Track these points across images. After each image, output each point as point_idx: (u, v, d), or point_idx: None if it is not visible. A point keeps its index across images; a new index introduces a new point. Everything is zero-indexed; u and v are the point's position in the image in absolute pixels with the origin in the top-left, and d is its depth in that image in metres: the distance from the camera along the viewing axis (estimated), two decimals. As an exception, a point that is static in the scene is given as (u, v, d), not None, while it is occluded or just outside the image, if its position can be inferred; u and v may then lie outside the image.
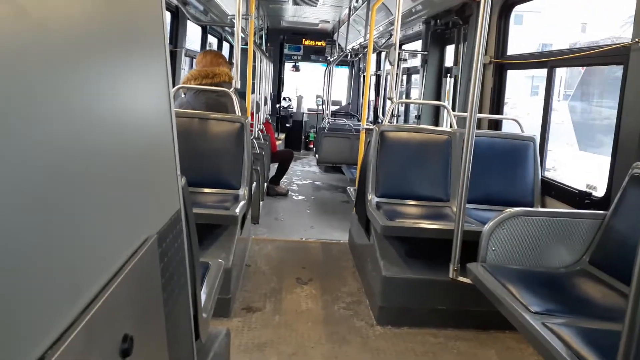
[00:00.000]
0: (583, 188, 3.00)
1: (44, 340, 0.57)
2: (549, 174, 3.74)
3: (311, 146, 11.16)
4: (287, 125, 11.49)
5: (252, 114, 5.38)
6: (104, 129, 0.76)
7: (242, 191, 3.34)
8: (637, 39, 2.43)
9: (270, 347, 2.57)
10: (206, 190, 3.32)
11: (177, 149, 1.20)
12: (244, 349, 2.53)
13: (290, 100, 12.27)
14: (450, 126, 3.73)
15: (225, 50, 8.06)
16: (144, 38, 1.00)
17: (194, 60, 6.70)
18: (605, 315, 1.94)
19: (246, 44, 4.88)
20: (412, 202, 3.40)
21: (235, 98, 3.54)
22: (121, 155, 0.84)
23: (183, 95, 3.76)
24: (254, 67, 5.53)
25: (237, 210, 2.95)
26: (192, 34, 6.42)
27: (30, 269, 0.54)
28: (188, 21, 5.56)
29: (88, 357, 0.66)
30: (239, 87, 3.62)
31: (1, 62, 0.49)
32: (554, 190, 3.28)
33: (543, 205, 3.33)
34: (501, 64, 4.05)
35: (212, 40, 7.71)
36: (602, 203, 2.70)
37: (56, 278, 0.61)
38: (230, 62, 4.14)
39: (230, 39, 7.96)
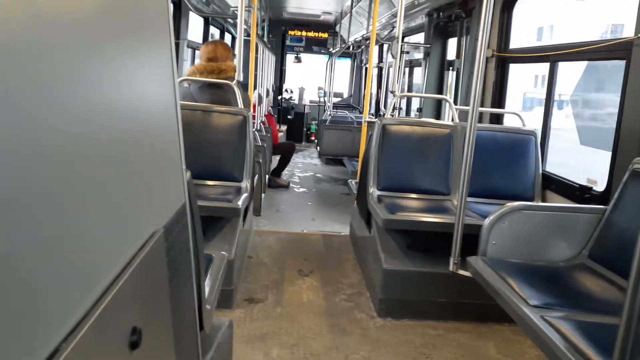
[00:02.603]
0: (584, 182, 3.02)
1: (58, 333, 0.59)
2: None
3: (312, 138, 11.15)
4: (289, 117, 11.48)
5: (254, 106, 5.39)
6: (109, 123, 0.76)
7: (245, 184, 3.36)
8: (639, 34, 2.43)
9: (272, 338, 2.60)
10: (209, 182, 3.34)
11: (182, 143, 1.20)
12: (247, 339, 2.56)
13: (292, 92, 12.25)
14: (452, 120, 3.74)
15: (227, 42, 8.04)
16: (149, 28, 0.99)
17: (196, 51, 6.69)
18: (603, 309, 1.96)
19: (248, 35, 4.88)
20: (414, 196, 3.42)
21: (237, 90, 3.55)
22: (127, 150, 0.85)
23: (187, 86, 3.74)
24: (256, 59, 5.53)
25: (240, 202, 2.97)
26: (194, 25, 6.41)
27: (42, 266, 0.56)
28: (190, 12, 5.55)
29: (99, 349, 0.68)
30: (241, 79, 3.62)
31: (1, 55, 0.48)
32: (554, 185, 3.30)
33: (544, 200, 3.35)
34: (504, 58, 4.05)
35: (214, 32, 7.69)
36: (603, 198, 2.71)
37: (67, 274, 0.62)
38: (233, 55, 4.12)
39: (232, 30, 7.93)
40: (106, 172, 0.75)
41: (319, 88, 11.51)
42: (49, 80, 0.58)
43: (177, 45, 5.46)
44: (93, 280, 0.70)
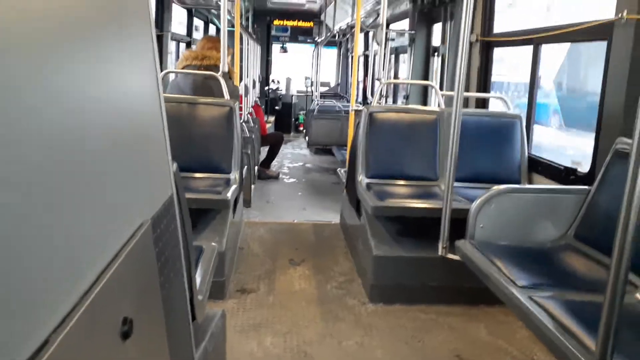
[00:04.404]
0: (568, 164, 3.05)
1: (48, 324, 0.59)
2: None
3: (301, 128, 11.14)
4: (277, 107, 11.45)
5: (240, 97, 5.36)
6: (92, 116, 0.76)
7: (233, 175, 3.36)
8: (620, 14, 2.45)
9: (265, 326, 2.62)
10: (197, 175, 3.33)
11: (167, 134, 1.20)
12: (240, 329, 2.58)
13: (278, 82, 12.20)
14: (438, 105, 3.75)
15: (212, 34, 7.97)
16: (129, 21, 0.99)
17: (180, 43, 6.64)
18: (589, 288, 2.00)
19: (232, 26, 4.85)
20: (402, 182, 3.44)
21: (223, 82, 3.53)
22: (112, 143, 0.85)
23: (174, 77, 3.88)
24: (241, 49, 5.49)
25: (229, 194, 2.97)
26: (178, 18, 6.34)
27: (30, 258, 0.56)
28: (173, 4, 5.49)
29: (90, 338, 0.69)
30: (226, 70, 3.60)
31: None
32: (540, 167, 3.34)
33: (530, 182, 3.39)
34: (488, 42, 4.06)
35: (198, 23, 7.63)
36: (587, 178, 2.75)
37: (56, 265, 0.63)
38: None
39: (216, 21, 7.87)
40: (92, 165, 0.76)
41: (306, 78, 11.48)
42: (27, 77, 0.58)
43: (160, 37, 5.40)
44: (82, 270, 0.70)
